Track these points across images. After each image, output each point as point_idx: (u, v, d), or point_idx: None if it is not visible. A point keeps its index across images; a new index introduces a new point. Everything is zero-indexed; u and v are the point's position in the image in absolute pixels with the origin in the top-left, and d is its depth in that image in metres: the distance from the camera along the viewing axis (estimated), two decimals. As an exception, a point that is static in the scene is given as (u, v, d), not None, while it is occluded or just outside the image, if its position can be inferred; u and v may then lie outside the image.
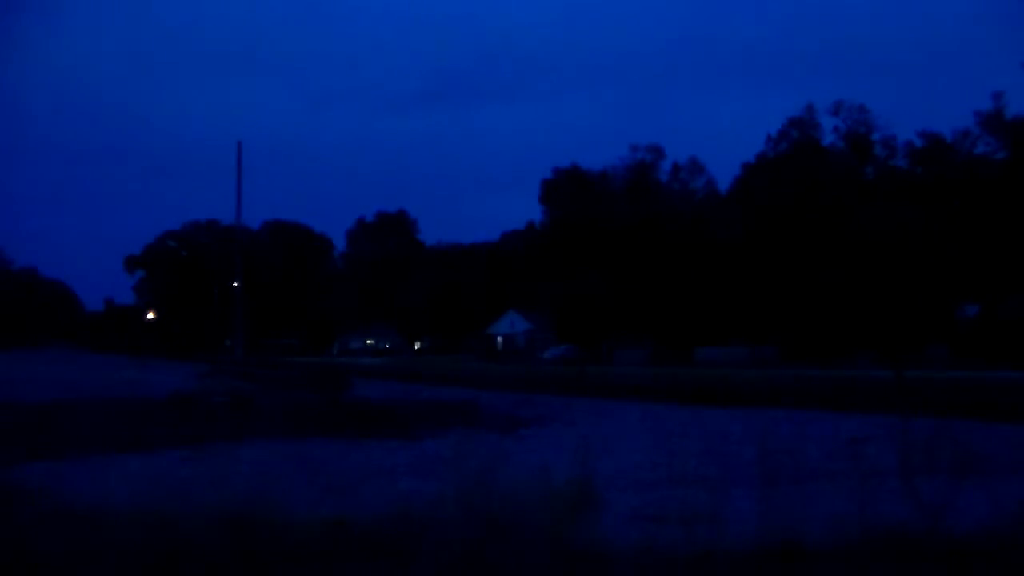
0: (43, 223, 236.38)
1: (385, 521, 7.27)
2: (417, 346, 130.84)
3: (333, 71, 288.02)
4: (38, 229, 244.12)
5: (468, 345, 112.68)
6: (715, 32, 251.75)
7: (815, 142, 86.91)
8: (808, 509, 7.43)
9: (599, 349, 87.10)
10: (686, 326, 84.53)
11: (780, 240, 78.18)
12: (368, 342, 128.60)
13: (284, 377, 42.34)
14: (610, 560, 6.01)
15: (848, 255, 72.87)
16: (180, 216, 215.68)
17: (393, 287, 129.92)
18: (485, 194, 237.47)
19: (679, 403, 25.77)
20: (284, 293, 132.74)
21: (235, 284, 69.70)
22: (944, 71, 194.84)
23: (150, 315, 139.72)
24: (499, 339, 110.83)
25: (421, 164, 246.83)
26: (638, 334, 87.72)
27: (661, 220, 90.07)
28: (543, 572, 5.76)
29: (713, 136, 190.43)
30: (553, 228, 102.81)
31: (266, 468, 11.40)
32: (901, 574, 5.68)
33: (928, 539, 6.13)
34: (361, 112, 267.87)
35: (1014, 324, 64.06)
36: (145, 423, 18.16)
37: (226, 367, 56.25)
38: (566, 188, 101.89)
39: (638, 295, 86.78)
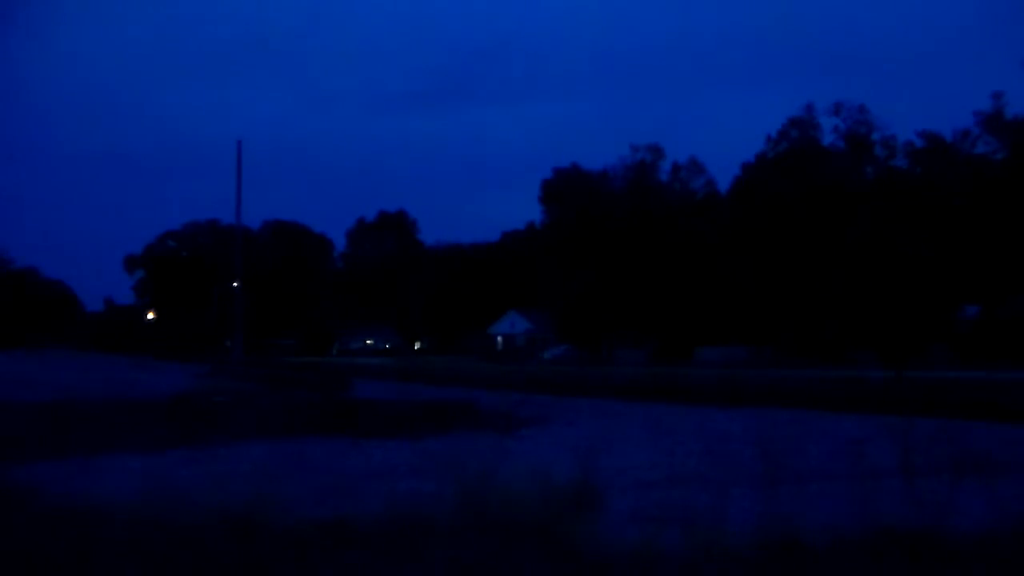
0: (43, 223, 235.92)
1: (385, 521, 7.27)
2: (417, 346, 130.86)
3: (333, 71, 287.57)
4: (38, 229, 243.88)
5: (468, 345, 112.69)
6: (715, 32, 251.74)
7: (815, 142, 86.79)
8: (808, 509, 7.44)
9: (599, 349, 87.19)
10: (686, 326, 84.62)
11: (780, 240, 78.19)
12: (368, 342, 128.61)
13: (284, 377, 42.32)
14: (610, 560, 6.01)
15: (848, 255, 72.88)
16: (180, 216, 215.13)
17: (393, 287, 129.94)
18: (485, 194, 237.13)
19: (679, 403, 25.75)
20: (284, 293, 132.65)
21: (235, 284, 69.75)
22: (944, 71, 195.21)
23: (150, 315, 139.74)
24: (499, 339, 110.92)
25: (421, 164, 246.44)
26: (638, 334, 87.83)
27: (661, 220, 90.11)
28: (543, 572, 5.76)
29: (713, 136, 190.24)
30: (553, 228, 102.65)
31: (266, 468, 11.38)
32: (901, 574, 5.68)
33: (928, 539, 6.13)
34: (361, 112, 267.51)
35: (1014, 324, 64.12)
36: (145, 423, 18.15)
37: (226, 367, 56.35)
38: (566, 188, 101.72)
39: (638, 295, 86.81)
